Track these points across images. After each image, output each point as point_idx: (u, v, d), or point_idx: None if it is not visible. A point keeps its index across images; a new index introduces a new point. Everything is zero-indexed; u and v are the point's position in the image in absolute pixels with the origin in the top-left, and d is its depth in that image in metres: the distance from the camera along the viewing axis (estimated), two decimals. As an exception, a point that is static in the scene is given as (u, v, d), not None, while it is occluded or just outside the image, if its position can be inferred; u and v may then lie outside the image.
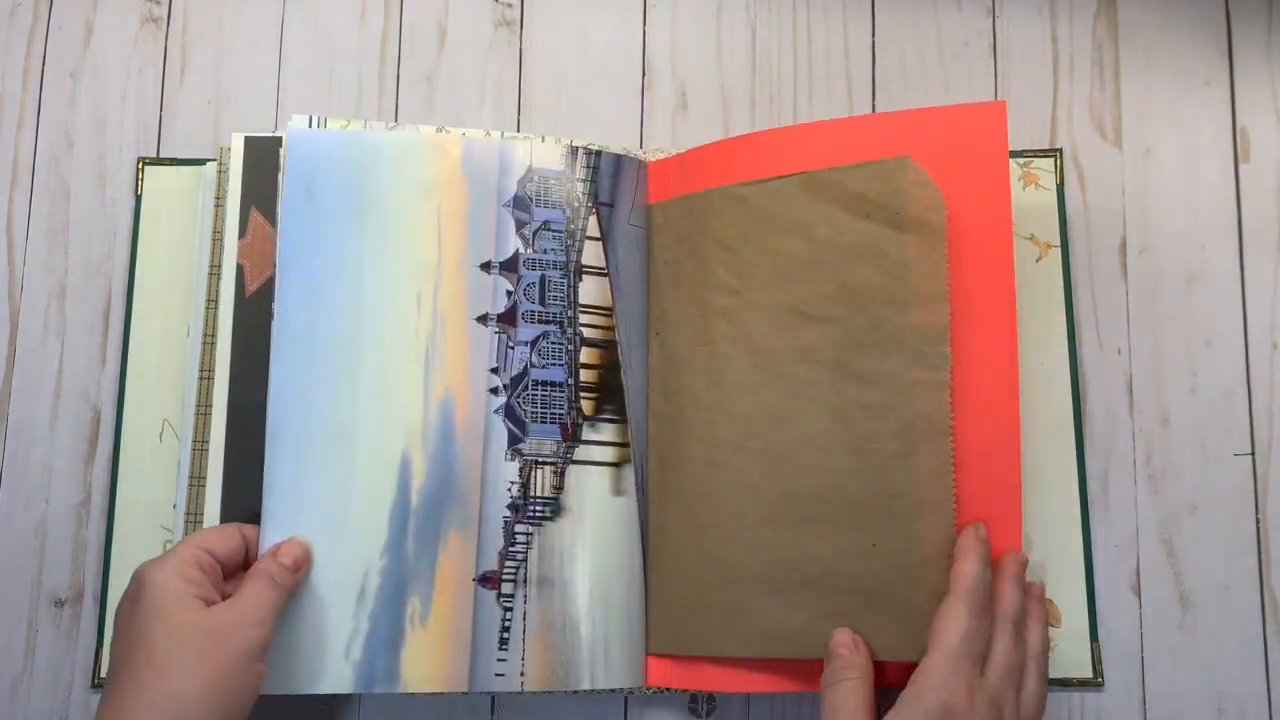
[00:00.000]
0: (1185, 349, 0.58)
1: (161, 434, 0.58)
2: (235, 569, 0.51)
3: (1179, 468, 0.57)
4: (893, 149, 0.52)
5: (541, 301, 0.56)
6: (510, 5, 0.63)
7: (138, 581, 0.47)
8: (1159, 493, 0.57)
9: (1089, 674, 0.55)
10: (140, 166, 0.61)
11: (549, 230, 0.56)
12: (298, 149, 0.55)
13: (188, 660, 0.44)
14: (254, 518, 0.53)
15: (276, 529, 0.52)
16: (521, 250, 0.56)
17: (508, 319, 0.56)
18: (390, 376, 0.54)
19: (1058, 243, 0.59)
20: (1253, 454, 0.57)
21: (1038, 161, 0.60)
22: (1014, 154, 0.60)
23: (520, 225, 0.56)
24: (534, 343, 0.55)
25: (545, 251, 0.56)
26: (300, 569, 0.51)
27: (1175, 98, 0.61)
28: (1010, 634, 0.48)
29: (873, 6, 0.63)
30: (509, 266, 0.56)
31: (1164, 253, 0.59)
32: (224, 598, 0.48)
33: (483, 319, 0.55)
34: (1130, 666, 0.55)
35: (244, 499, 0.54)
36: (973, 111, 0.53)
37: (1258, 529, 0.57)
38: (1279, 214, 0.59)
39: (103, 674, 0.56)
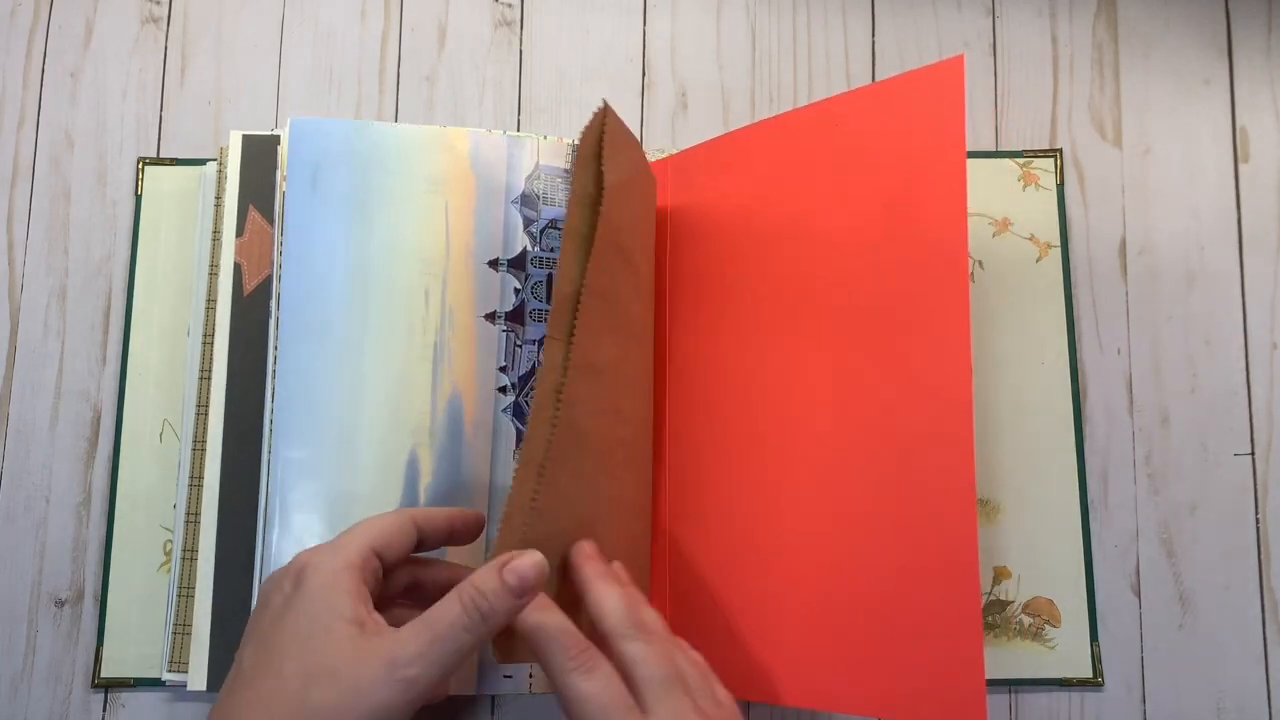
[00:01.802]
0: (1185, 349, 0.58)
1: (162, 434, 0.58)
2: (400, 563, 0.43)
3: (1179, 468, 0.57)
4: (859, 125, 0.50)
5: (548, 300, 0.56)
6: (510, 5, 0.63)
7: (297, 575, 0.40)
8: (1159, 493, 0.57)
9: (1089, 674, 0.55)
10: (140, 166, 0.61)
11: (556, 229, 0.56)
12: (301, 139, 0.54)
13: (345, 695, 0.37)
14: (252, 518, 0.53)
15: (281, 528, 0.52)
16: (529, 248, 0.56)
17: (516, 317, 0.55)
18: (398, 374, 0.53)
19: (1058, 243, 0.59)
20: (1253, 454, 0.57)
21: (1038, 161, 0.60)
22: (1013, 154, 0.60)
23: (528, 223, 0.56)
24: (541, 341, 0.55)
25: (552, 250, 0.56)
26: (525, 596, 0.40)
27: (1175, 97, 0.61)
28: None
29: (873, 6, 0.63)
30: (517, 264, 0.56)
31: (1164, 253, 0.59)
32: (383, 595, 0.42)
33: (490, 316, 0.55)
34: (1130, 666, 0.55)
35: (242, 499, 0.54)
36: (929, 74, 0.48)
37: (1258, 529, 0.57)
38: (1279, 214, 0.59)
39: (103, 673, 0.56)
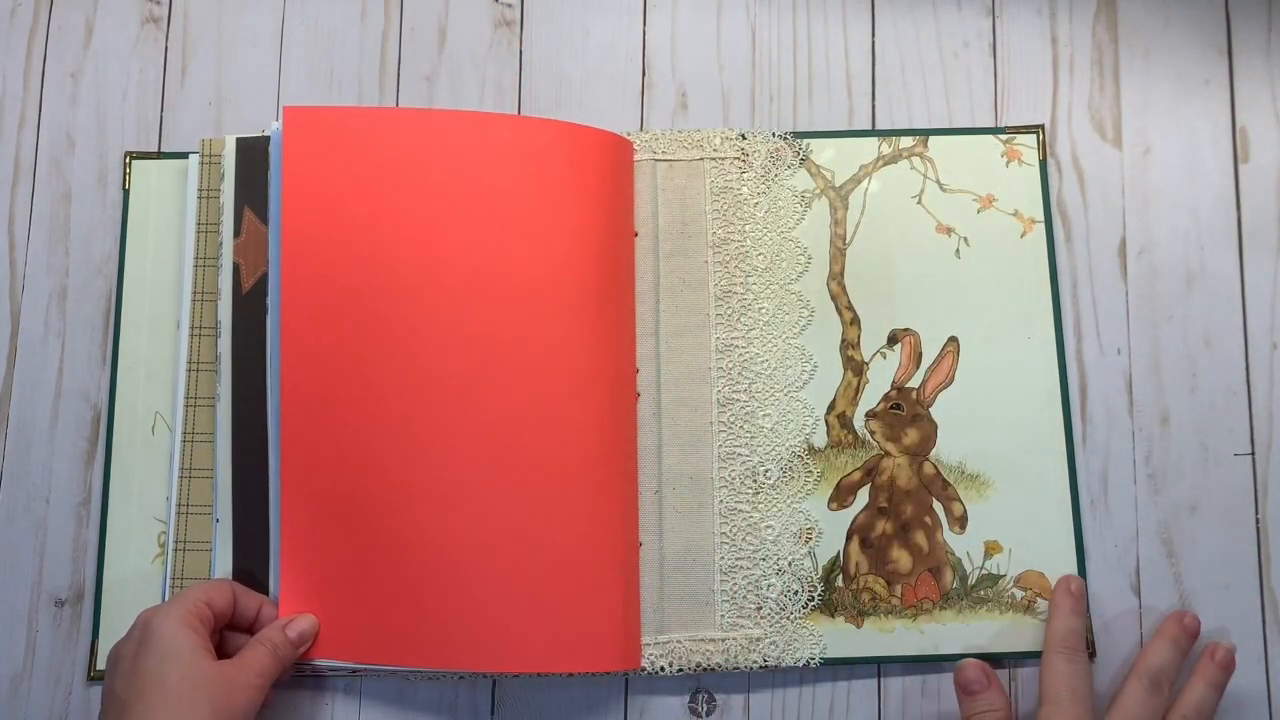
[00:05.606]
0: (1185, 349, 0.58)
1: (154, 426, 0.58)
2: (224, 624, 0.53)
3: (1179, 468, 0.57)
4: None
5: None
6: (510, 5, 0.63)
7: (143, 628, 0.49)
8: (1159, 493, 0.57)
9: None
10: (127, 161, 0.61)
11: None
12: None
13: (202, 704, 0.47)
14: (264, 515, 0.54)
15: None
16: None
17: None
18: None
19: (1041, 218, 0.59)
20: (1253, 454, 0.57)
21: (1020, 138, 0.60)
22: (996, 130, 0.60)
23: None
24: None
25: None
26: (302, 646, 0.52)
27: (1175, 98, 0.61)
28: (1144, 688, 0.52)
29: (873, 6, 0.63)
30: None
31: (1164, 253, 0.59)
32: (217, 651, 0.51)
33: None
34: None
35: (253, 495, 0.54)
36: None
37: (1258, 529, 0.57)
38: (1279, 214, 0.59)
39: (99, 665, 0.56)
